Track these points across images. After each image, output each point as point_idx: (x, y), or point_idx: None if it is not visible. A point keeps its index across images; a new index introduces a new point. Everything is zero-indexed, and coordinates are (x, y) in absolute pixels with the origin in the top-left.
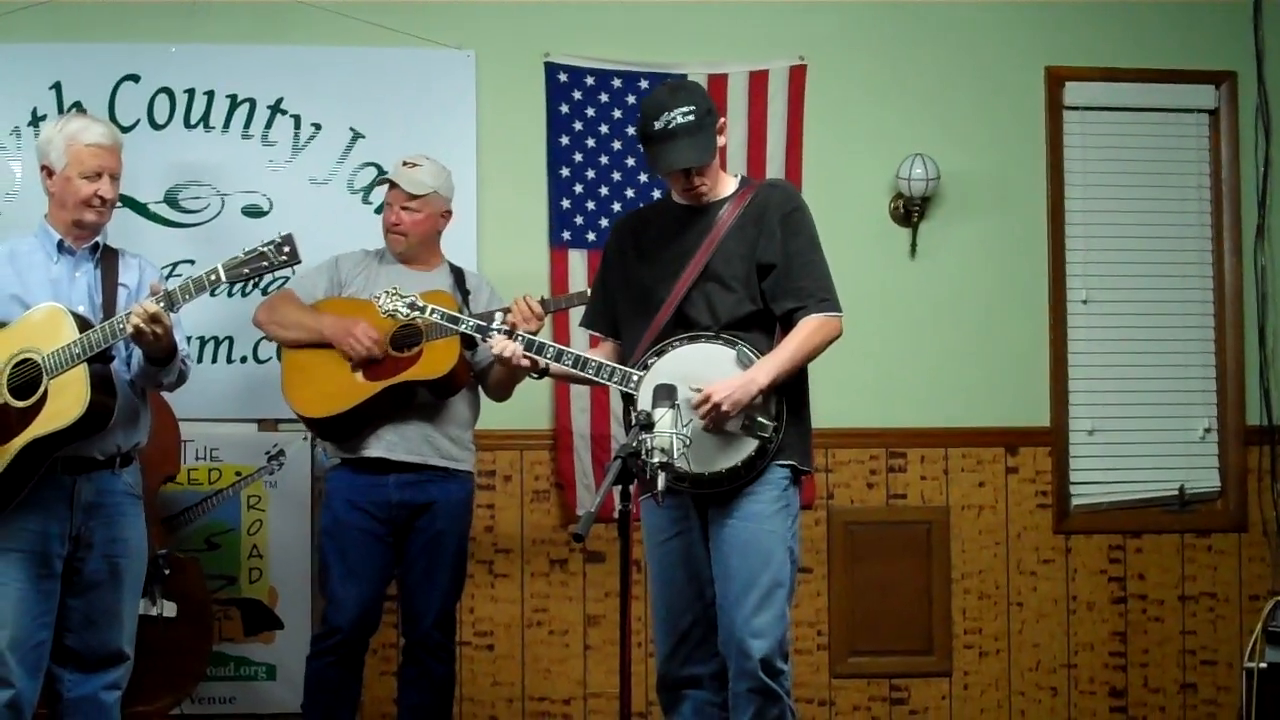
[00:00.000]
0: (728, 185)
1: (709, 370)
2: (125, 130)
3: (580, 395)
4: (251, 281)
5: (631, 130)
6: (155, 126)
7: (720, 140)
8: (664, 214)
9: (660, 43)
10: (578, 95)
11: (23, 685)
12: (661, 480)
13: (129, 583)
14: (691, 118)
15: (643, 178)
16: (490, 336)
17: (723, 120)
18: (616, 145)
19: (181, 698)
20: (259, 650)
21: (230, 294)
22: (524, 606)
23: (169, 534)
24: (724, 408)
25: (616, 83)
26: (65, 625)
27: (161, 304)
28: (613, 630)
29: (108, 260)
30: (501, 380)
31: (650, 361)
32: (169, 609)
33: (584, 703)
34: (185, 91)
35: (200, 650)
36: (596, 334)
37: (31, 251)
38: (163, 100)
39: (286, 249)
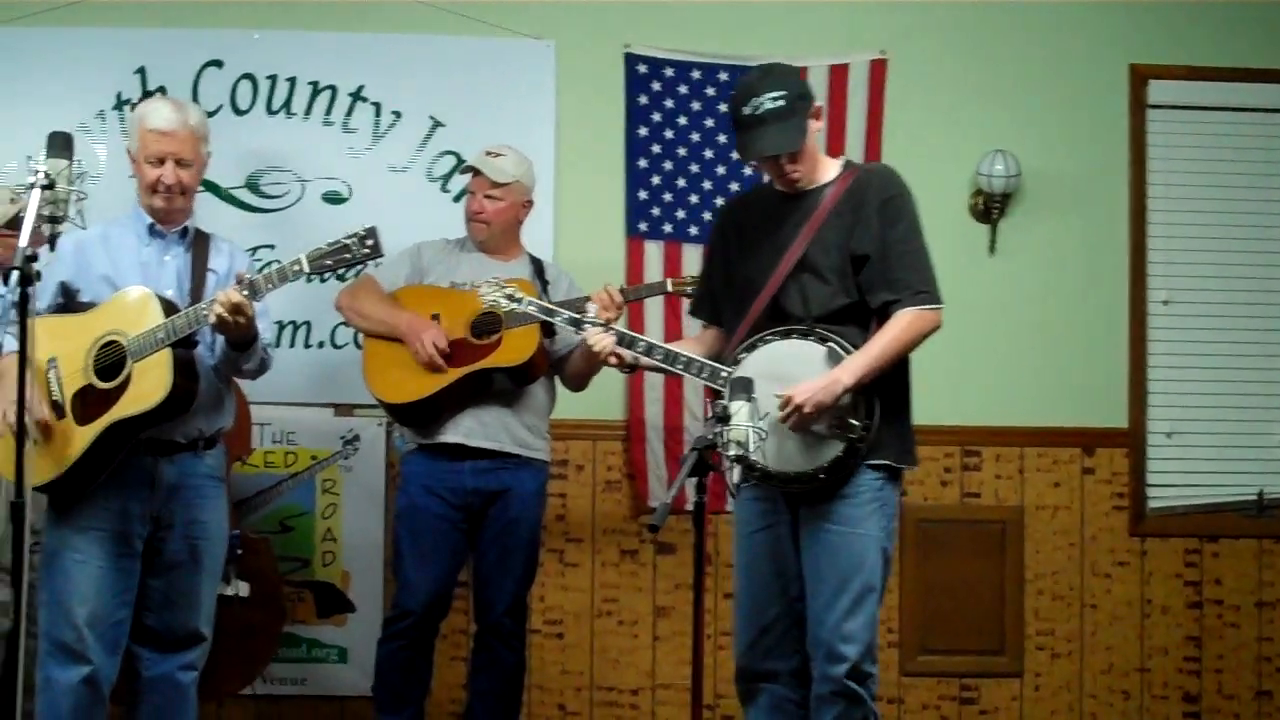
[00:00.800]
0: (828, 170)
1: (798, 368)
2: (208, 116)
3: (654, 387)
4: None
5: (710, 122)
6: (237, 112)
7: (816, 125)
8: (765, 200)
9: (740, 35)
10: (657, 86)
11: (101, 662)
12: (737, 473)
13: (208, 565)
14: (782, 103)
15: (720, 170)
16: (584, 329)
17: (818, 105)
18: (695, 137)
19: (252, 678)
20: (330, 633)
21: (309, 279)
22: (594, 596)
23: (242, 515)
24: (806, 410)
25: (696, 74)
26: (145, 605)
27: (245, 293)
28: (682, 622)
29: (199, 245)
30: (581, 370)
31: (741, 357)
32: (243, 589)
33: (652, 693)
34: (267, 78)
35: (272, 631)
36: (701, 320)
37: (123, 234)
38: (245, 86)
39: (370, 242)
